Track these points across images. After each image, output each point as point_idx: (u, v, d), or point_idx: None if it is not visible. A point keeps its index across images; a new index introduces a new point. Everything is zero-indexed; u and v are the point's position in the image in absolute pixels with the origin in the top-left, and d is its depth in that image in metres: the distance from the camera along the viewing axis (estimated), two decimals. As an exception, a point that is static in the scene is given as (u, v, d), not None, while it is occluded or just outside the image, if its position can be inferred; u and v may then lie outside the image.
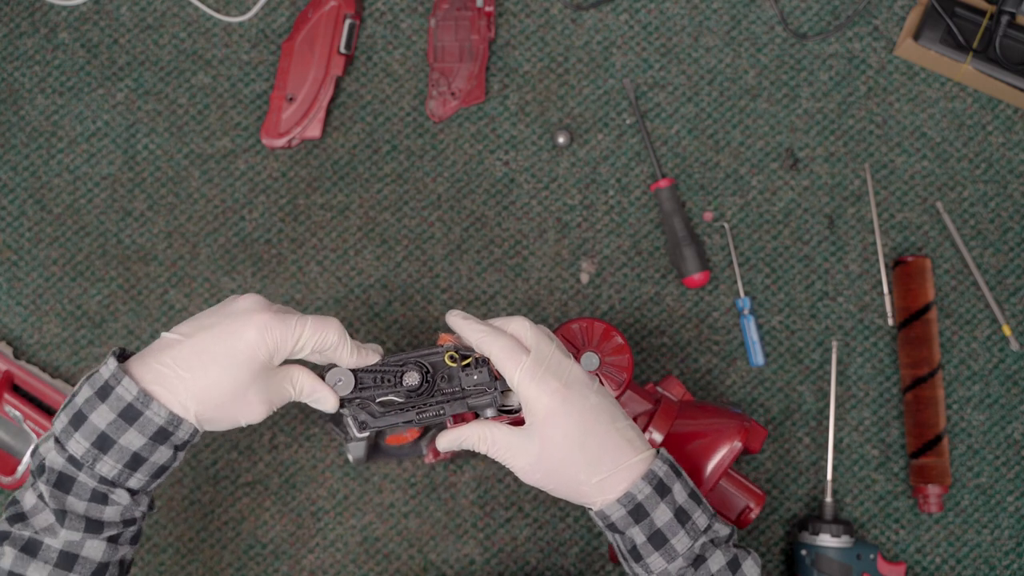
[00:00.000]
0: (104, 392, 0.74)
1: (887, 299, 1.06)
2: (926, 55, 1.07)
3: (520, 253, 1.08)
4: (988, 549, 1.05)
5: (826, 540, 0.99)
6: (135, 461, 0.74)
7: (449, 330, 0.81)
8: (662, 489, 0.75)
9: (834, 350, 1.03)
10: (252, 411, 0.77)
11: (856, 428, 1.06)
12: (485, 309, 1.07)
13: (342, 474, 1.05)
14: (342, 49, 1.07)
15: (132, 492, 0.75)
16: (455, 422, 0.79)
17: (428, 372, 0.78)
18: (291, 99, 1.07)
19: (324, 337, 0.77)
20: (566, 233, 1.08)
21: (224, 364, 0.75)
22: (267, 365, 0.76)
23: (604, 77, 1.09)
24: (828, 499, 1.01)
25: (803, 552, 1.00)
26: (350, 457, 1.01)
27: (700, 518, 0.76)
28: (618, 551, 0.79)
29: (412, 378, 0.78)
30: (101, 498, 0.74)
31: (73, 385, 1.06)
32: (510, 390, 0.79)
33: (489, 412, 0.79)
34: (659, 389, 0.96)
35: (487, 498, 1.05)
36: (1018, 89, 1.05)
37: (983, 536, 1.05)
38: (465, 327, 0.78)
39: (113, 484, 0.74)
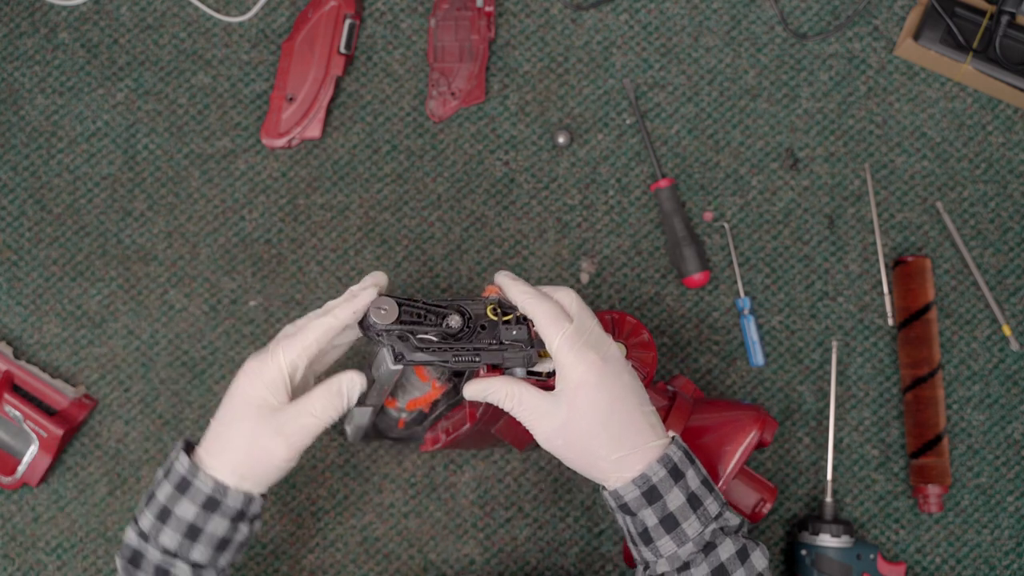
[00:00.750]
0: (167, 470, 0.79)
1: (887, 299, 1.06)
2: (926, 55, 1.07)
3: (520, 253, 1.08)
4: (988, 549, 1.05)
5: (826, 540, 0.99)
6: (192, 532, 0.77)
7: (495, 284, 0.82)
8: (676, 473, 0.76)
9: (834, 350, 1.03)
10: (274, 453, 0.78)
11: (856, 428, 1.06)
12: (485, 309, 1.07)
13: (342, 474, 1.05)
14: (342, 49, 1.07)
15: (197, 566, 0.78)
16: (487, 372, 0.80)
17: (470, 318, 0.79)
18: (291, 99, 1.07)
19: (304, 346, 0.78)
20: (566, 233, 1.08)
21: (233, 416, 0.79)
22: (268, 404, 0.78)
23: (604, 77, 1.09)
24: (828, 499, 1.01)
25: (803, 552, 1.00)
26: (348, 429, 0.99)
27: (712, 505, 0.77)
28: (628, 535, 0.79)
29: (455, 320, 0.79)
30: (163, 573, 0.78)
31: (73, 385, 1.06)
32: (544, 355, 0.80)
33: (519, 371, 0.80)
34: (670, 388, 0.96)
35: (487, 498, 1.05)
36: (1018, 89, 1.05)
37: (983, 536, 1.05)
38: (512, 287, 0.79)
39: (175, 556, 0.78)
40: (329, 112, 1.08)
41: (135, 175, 1.08)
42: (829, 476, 1.02)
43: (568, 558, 1.04)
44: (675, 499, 0.76)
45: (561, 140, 1.07)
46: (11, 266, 1.07)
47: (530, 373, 0.80)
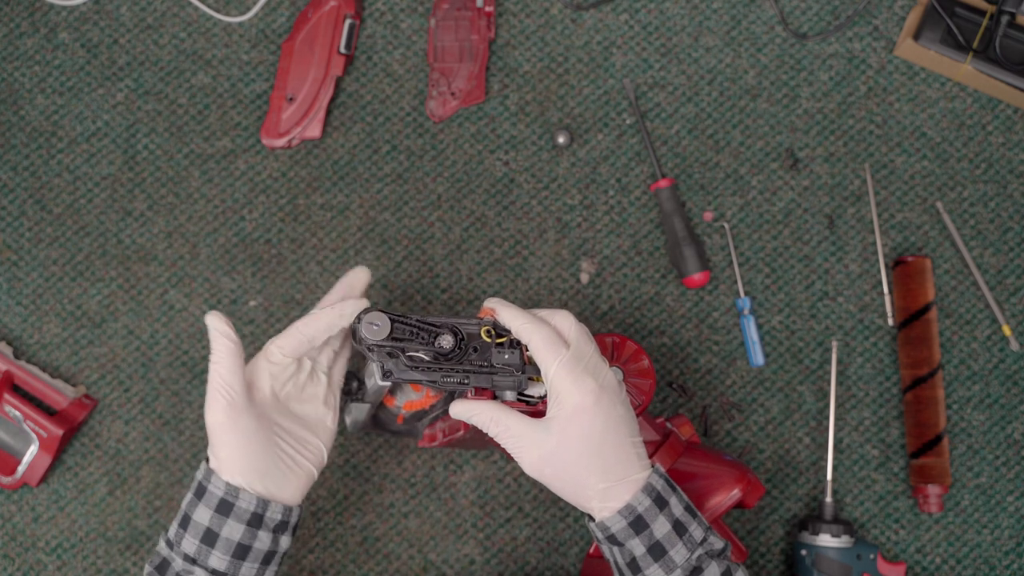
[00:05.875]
0: (193, 479, 0.81)
1: (887, 299, 1.06)
2: (926, 55, 1.07)
3: (520, 253, 1.08)
4: (988, 549, 1.05)
5: (826, 540, 0.99)
6: (208, 537, 0.77)
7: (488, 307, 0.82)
8: (660, 501, 0.76)
9: (834, 350, 1.03)
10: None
11: (856, 428, 1.06)
12: (485, 309, 1.07)
13: (342, 474, 1.05)
14: (342, 49, 1.07)
15: (216, 574, 0.78)
16: (475, 395, 0.80)
17: (462, 339, 0.79)
18: (291, 99, 1.07)
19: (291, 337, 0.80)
20: (566, 233, 1.08)
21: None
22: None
23: (604, 77, 1.09)
24: (828, 499, 1.01)
25: (803, 552, 1.00)
26: (348, 420, 0.99)
27: (696, 530, 0.77)
28: (615, 566, 0.79)
29: (446, 341, 0.78)
30: None
31: (73, 385, 1.06)
32: (535, 379, 0.80)
33: (509, 395, 0.79)
34: (668, 424, 0.97)
35: (487, 498, 1.05)
36: (1018, 89, 1.05)
37: (983, 536, 1.05)
38: (506, 313, 0.79)
39: (194, 562, 0.77)
40: (329, 112, 1.08)
41: (135, 175, 1.08)
42: (829, 476, 1.02)
43: (568, 558, 1.04)
44: (661, 527, 0.76)
45: (561, 140, 1.07)
46: (11, 266, 1.07)
47: (520, 397, 0.80)
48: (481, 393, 0.79)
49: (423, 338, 0.79)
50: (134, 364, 1.06)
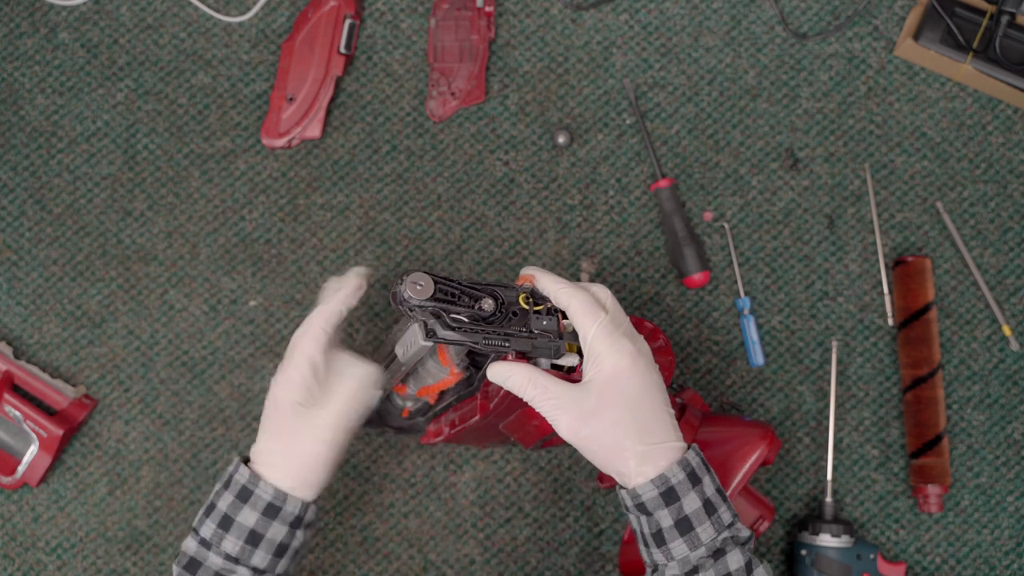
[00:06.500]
0: (227, 481, 0.82)
1: (887, 299, 1.06)
2: (926, 55, 1.07)
3: (520, 253, 1.08)
4: (988, 549, 1.05)
5: (826, 540, 0.99)
6: (253, 538, 0.80)
7: (527, 274, 0.83)
8: (694, 478, 0.77)
9: (834, 350, 1.03)
10: (318, 455, 0.82)
11: (856, 428, 1.06)
12: (485, 309, 1.07)
13: (342, 474, 1.05)
14: (342, 49, 1.07)
15: (257, 571, 0.80)
16: (513, 359, 0.80)
17: (502, 303, 0.80)
18: (291, 99, 1.07)
19: (315, 337, 0.82)
20: (566, 233, 1.08)
21: (275, 427, 0.83)
22: (299, 407, 0.81)
23: (604, 77, 1.09)
24: (828, 499, 1.01)
25: (803, 552, 1.00)
26: None
27: (725, 513, 0.78)
28: (640, 536, 0.80)
29: (488, 304, 0.79)
30: None
31: (73, 385, 1.06)
32: (570, 348, 0.81)
33: (543, 363, 0.80)
34: (679, 399, 0.97)
35: (487, 498, 1.05)
36: (1018, 89, 1.05)
37: (983, 536, 1.05)
38: (545, 279, 0.81)
39: (236, 561, 0.80)
40: (329, 112, 1.08)
41: (135, 175, 1.08)
42: (829, 476, 1.02)
43: (568, 558, 1.04)
44: (691, 503, 0.76)
45: (561, 140, 1.07)
46: (11, 266, 1.07)
47: (553, 367, 0.81)
48: (519, 358, 0.80)
49: (464, 301, 0.79)
50: (134, 364, 1.06)
